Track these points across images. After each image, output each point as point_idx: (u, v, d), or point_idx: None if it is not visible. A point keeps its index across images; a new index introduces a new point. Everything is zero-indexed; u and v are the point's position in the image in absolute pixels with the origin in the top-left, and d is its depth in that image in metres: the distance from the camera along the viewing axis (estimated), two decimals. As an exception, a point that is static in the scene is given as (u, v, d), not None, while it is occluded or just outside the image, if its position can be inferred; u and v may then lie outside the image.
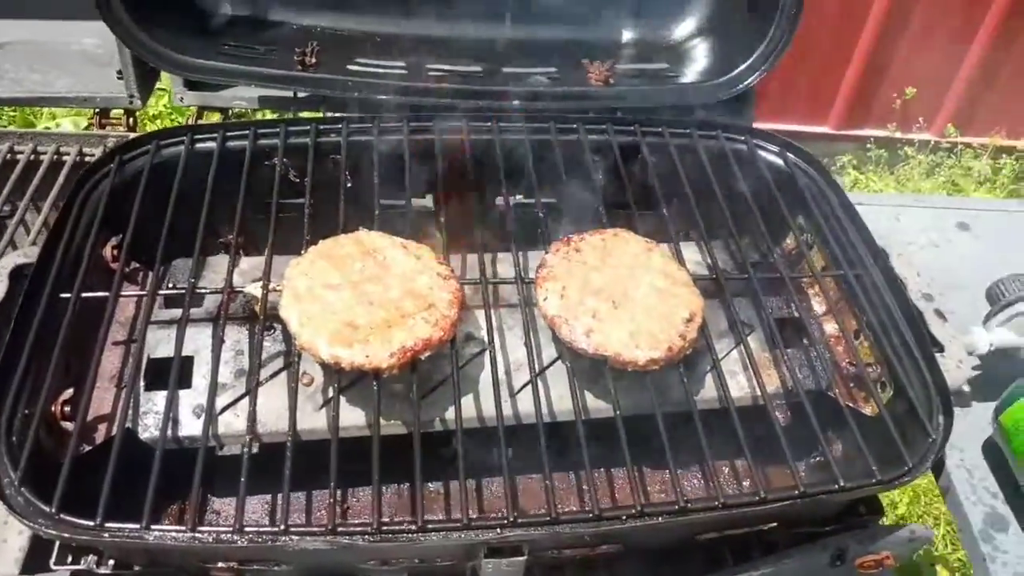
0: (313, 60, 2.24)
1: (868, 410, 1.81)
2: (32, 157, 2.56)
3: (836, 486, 1.54)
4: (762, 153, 2.18)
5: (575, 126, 2.18)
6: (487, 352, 1.78)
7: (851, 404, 1.79)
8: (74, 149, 2.56)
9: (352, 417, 1.67)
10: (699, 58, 2.51)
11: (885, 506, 1.86)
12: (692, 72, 2.47)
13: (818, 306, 2.01)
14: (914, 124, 5.91)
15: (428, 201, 2.23)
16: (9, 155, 2.55)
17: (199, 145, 2.02)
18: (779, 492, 1.53)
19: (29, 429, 1.47)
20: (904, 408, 1.72)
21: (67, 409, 1.59)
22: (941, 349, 1.85)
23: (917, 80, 5.63)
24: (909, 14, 5.22)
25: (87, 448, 1.59)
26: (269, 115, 2.87)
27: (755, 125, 2.39)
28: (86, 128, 4.13)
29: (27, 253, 1.82)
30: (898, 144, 6.00)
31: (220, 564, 1.56)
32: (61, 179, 2.50)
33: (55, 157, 2.56)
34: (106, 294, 1.68)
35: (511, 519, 1.44)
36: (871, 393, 1.73)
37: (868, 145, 5.99)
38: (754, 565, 1.71)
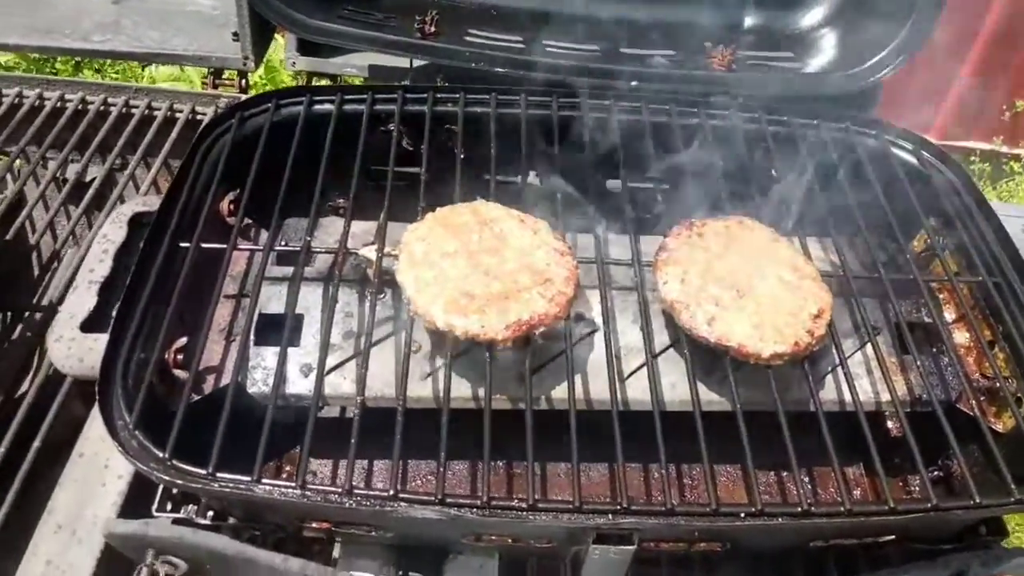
0: (432, 29, 2.21)
1: (999, 426, 1.70)
2: (146, 112, 2.59)
3: (972, 502, 1.44)
4: (894, 149, 2.08)
5: (696, 110, 2.10)
6: (598, 333, 1.74)
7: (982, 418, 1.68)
8: (187, 107, 2.59)
9: (459, 388, 1.63)
10: (826, 48, 2.40)
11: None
12: (817, 63, 2.38)
13: (948, 313, 1.90)
14: (1022, 139, 5.64)
15: (534, 178, 2.19)
16: (124, 109, 2.59)
17: (317, 107, 2.01)
18: (909, 503, 1.44)
19: (144, 374, 1.47)
20: (1042, 426, 1.61)
21: (179, 357, 1.59)
22: (1080, 365, 1.73)
23: (1027, 94, 5.38)
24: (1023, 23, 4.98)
25: (196, 398, 1.58)
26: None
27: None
28: (201, 86, 4.20)
29: (146, 202, 1.84)
30: (1003, 159, 5.74)
31: (314, 524, 1.55)
32: (173, 136, 2.53)
33: (168, 114, 2.59)
34: (223, 246, 1.68)
35: (624, 506, 1.38)
36: (1009, 406, 1.62)
37: (972, 158, 5.74)
38: (870, 579, 1.62)
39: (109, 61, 5.13)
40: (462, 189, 1.86)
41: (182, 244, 1.65)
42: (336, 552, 1.73)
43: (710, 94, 2.17)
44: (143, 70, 5.22)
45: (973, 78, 5.29)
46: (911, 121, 5.64)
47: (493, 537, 1.54)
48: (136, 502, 1.66)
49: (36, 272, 2.50)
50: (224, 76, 2.79)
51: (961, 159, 5.70)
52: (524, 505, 1.37)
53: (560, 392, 1.63)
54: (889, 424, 1.87)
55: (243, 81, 2.71)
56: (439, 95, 2.05)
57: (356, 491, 1.35)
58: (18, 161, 2.48)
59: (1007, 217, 2.64)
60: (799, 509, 1.41)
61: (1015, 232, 2.61)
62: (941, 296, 1.93)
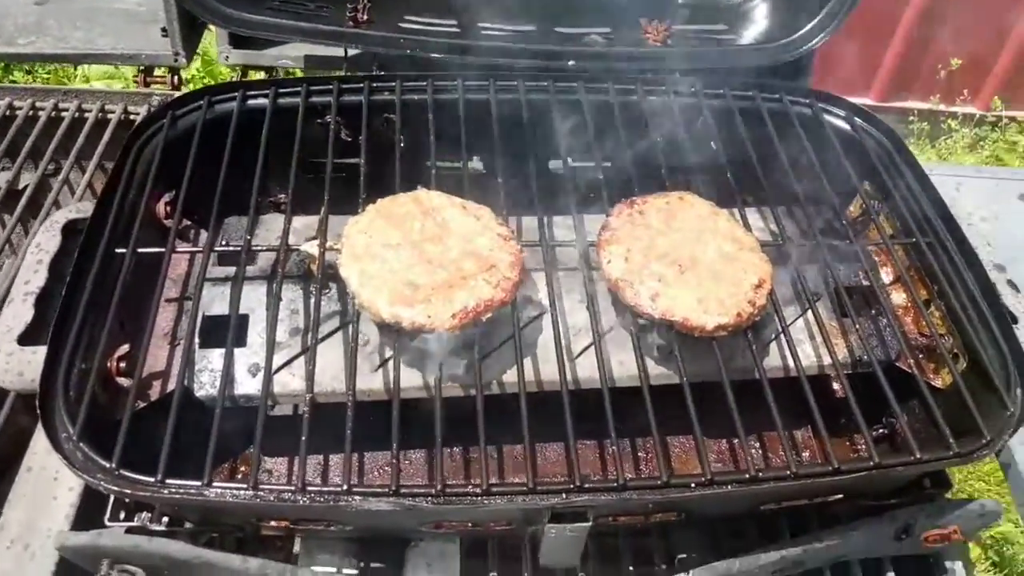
0: (365, 17, 2.18)
1: (938, 382, 1.75)
2: (77, 115, 2.53)
3: (912, 458, 1.48)
4: (828, 117, 2.11)
5: (634, 87, 2.12)
6: (546, 315, 1.75)
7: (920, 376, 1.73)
8: (119, 107, 2.54)
9: (410, 378, 1.64)
10: (758, 19, 2.42)
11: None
12: (752, 34, 2.39)
13: (886, 275, 1.94)
14: (958, 97, 5.76)
15: (478, 163, 2.19)
16: (54, 112, 2.53)
17: (251, 102, 1.98)
18: (853, 463, 1.48)
19: (86, 384, 1.45)
20: (979, 380, 1.66)
21: (122, 365, 1.57)
22: (1015, 320, 1.78)
23: (963, 51, 5.48)
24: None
25: (141, 405, 1.56)
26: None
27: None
28: (127, 87, 4.11)
29: (80, 208, 1.80)
30: (941, 117, 5.86)
31: (272, 522, 1.55)
32: (106, 137, 2.47)
33: (100, 115, 2.53)
34: (161, 250, 1.65)
35: (577, 484, 1.40)
36: (945, 363, 1.67)
37: (911, 118, 5.85)
38: (818, 537, 1.66)
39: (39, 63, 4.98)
40: (404, 178, 1.85)
41: (118, 250, 1.62)
42: (296, 547, 1.73)
43: (647, 70, 2.18)
44: (76, 70, 5.08)
45: (908, 38, 5.38)
46: (849, 84, 5.72)
47: (453, 523, 1.55)
48: (89, 513, 1.64)
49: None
50: (156, 73, 2.73)
51: (900, 119, 5.84)
52: (479, 490, 1.38)
53: (511, 376, 1.64)
54: (835, 386, 1.92)
55: (175, 78, 2.65)
56: (375, 84, 2.04)
57: (309, 487, 1.36)
58: (-54, 171, 2.41)
59: (942, 176, 2.71)
60: (747, 476, 1.44)
61: (949, 191, 2.68)
62: (878, 259, 1.97)
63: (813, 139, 2.03)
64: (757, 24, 2.41)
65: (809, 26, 2.26)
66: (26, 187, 2.41)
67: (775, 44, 2.29)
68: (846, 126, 2.10)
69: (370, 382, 1.64)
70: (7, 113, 2.50)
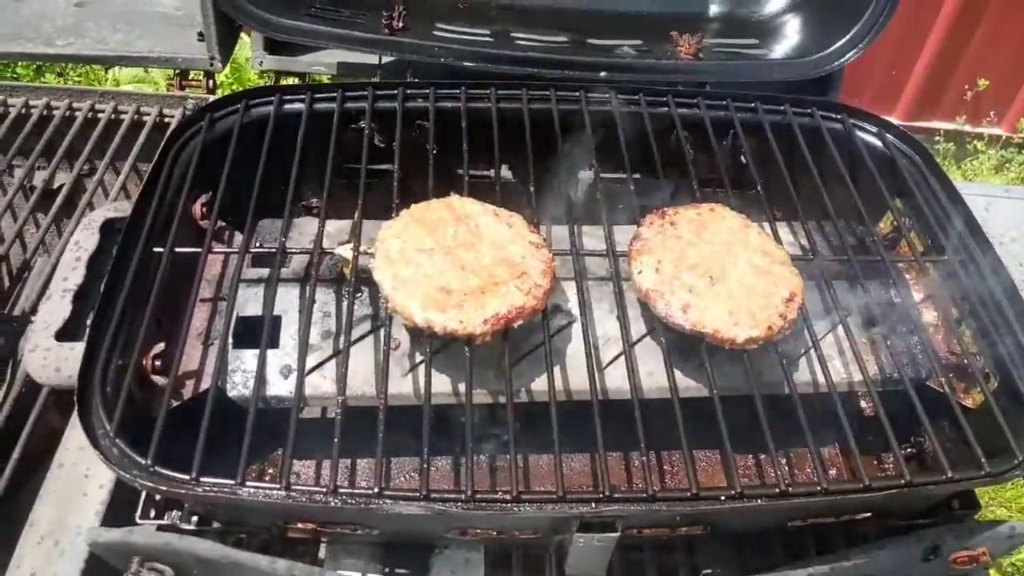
0: (400, 24, 2.21)
1: (968, 401, 1.74)
2: (113, 116, 2.57)
3: (944, 477, 1.47)
4: (860, 132, 2.11)
5: (665, 99, 2.12)
6: (575, 324, 1.75)
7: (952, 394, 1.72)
8: (154, 110, 2.57)
9: (439, 384, 1.64)
10: (790, 35, 2.43)
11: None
12: (782, 49, 2.41)
13: (916, 292, 1.94)
14: (984, 118, 5.73)
15: (507, 172, 2.20)
16: (90, 113, 2.56)
17: (287, 106, 2.00)
18: (884, 481, 1.47)
19: (123, 381, 1.47)
20: (1010, 400, 1.65)
21: (158, 363, 1.58)
22: (1048, 342, 1.77)
23: (990, 72, 5.45)
24: (985, 3, 5.05)
25: (175, 403, 1.58)
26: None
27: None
28: (167, 88, 4.15)
29: (117, 207, 1.83)
30: (967, 138, 5.82)
31: (299, 524, 1.55)
32: (141, 139, 2.50)
33: (135, 117, 2.57)
34: (198, 250, 1.67)
35: (606, 494, 1.40)
36: (977, 382, 1.66)
37: (936, 138, 5.82)
38: (845, 555, 1.65)
39: (71, 65, 5.05)
40: (436, 184, 1.86)
41: (156, 249, 1.64)
42: (322, 552, 1.74)
43: (678, 82, 2.19)
44: (106, 73, 5.15)
45: (935, 58, 5.36)
46: (875, 102, 5.70)
47: (479, 531, 1.55)
48: (119, 510, 1.65)
49: (7, 283, 2.47)
50: (190, 77, 2.76)
51: (925, 139, 5.81)
52: (508, 497, 1.38)
53: (540, 384, 1.64)
54: (863, 403, 1.92)
55: (210, 82, 2.68)
56: (409, 91, 2.05)
57: (340, 490, 1.36)
58: (-17, 170, 2.44)
59: (971, 196, 2.69)
60: (777, 490, 1.43)
61: (979, 210, 2.66)
62: (909, 276, 1.96)
63: (844, 154, 2.03)
64: (789, 39, 2.42)
65: (841, 42, 2.27)
66: (61, 187, 2.45)
67: (806, 59, 2.30)
68: (878, 142, 2.10)
69: (400, 387, 1.65)
70: (44, 113, 2.53)
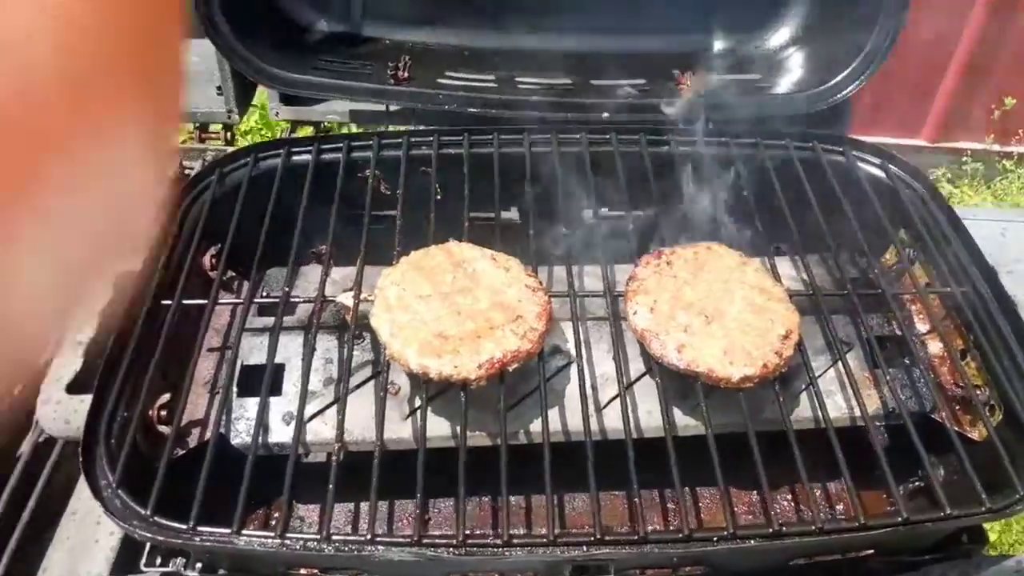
0: (405, 74, 2.27)
1: (974, 435, 1.72)
2: (135, 169, 2.66)
3: (942, 514, 1.46)
4: (862, 165, 2.11)
5: (666, 138, 2.15)
6: (574, 365, 1.77)
7: (956, 428, 1.70)
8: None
9: (438, 427, 1.67)
10: (794, 68, 2.44)
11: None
12: (787, 83, 2.41)
13: (921, 324, 1.92)
14: (1013, 137, 5.64)
15: (514, 214, 2.23)
16: (114, 167, 2.66)
17: (295, 158, 2.07)
18: (879, 519, 1.46)
19: (127, 433, 1.52)
20: (1015, 433, 1.63)
21: (163, 413, 1.64)
22: (1055, 372, 1.74)
23: (1017, 90, 5.38)
24: (1010, 20, 5.00)
25: (180, 452, 1.63)
26: (360, 129, 2.91)
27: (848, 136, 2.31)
28: (183, 143, 4.29)
29: (129, 260, 1.89)
30: (996, 157, 5.74)
31: (303, 571, 1.58)
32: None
33: (157, 169, 2.66)
34: (204, 302, 1.73)
35: (598, 536, 1.41)
36: (980, 415, 1.64)
37: (964, 158, 5.75)
38: (850, 594, 1.63)
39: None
40: (441, 229, 1.90)
41: (164, 302, 1.70)
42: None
43: (680, 121, 2.21)
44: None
45: (961, 78, 5.31)
46: (901, 125, 5.65)
47: (476, 574, 1.57)
48: (129, 557, 1.69)
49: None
50: (211, 129, 2.86)
51: (953, 160, 5.73)
52: (499, 542, 1.40)
53: (538, 425, 1.66)
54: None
55: (228, 133, 2.77)
56: (413, 139, 2.11)
57: (335, 537, 1.39)
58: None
59: (987, 221, 2.67)
60: (771, 530, 1.43)
61: (995, 235, 2.63)
62: (914, 308, 1.95)
63: (846, 187, 2.03)
64: (792, 73, 2.43)
65: (843, 74, 2.27)
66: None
67: (809, 93, 2.30)
68: (880, 173, 2.10)
69: (399, 431, 1.68)
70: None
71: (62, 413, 1.59)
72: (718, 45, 2.51)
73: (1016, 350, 1.70)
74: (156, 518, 1.39)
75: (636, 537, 1.41)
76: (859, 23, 2.23)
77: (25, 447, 1.91)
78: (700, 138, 2.14)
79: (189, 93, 2.70)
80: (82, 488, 1.74)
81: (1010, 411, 1.65)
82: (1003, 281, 1.88)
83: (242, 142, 5.48)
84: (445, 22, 2.44)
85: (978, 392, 1.72)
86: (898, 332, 1.84)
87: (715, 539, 1.42)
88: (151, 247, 1.80)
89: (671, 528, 1.75)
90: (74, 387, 1.64)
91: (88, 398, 1.53)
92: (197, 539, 1.37)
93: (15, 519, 1.70)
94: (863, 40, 2.24)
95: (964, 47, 5.16)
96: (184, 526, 1.38)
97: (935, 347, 1.87)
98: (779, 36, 2.50)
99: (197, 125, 2.81)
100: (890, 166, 2.11)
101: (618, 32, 2.47)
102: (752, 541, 1.43)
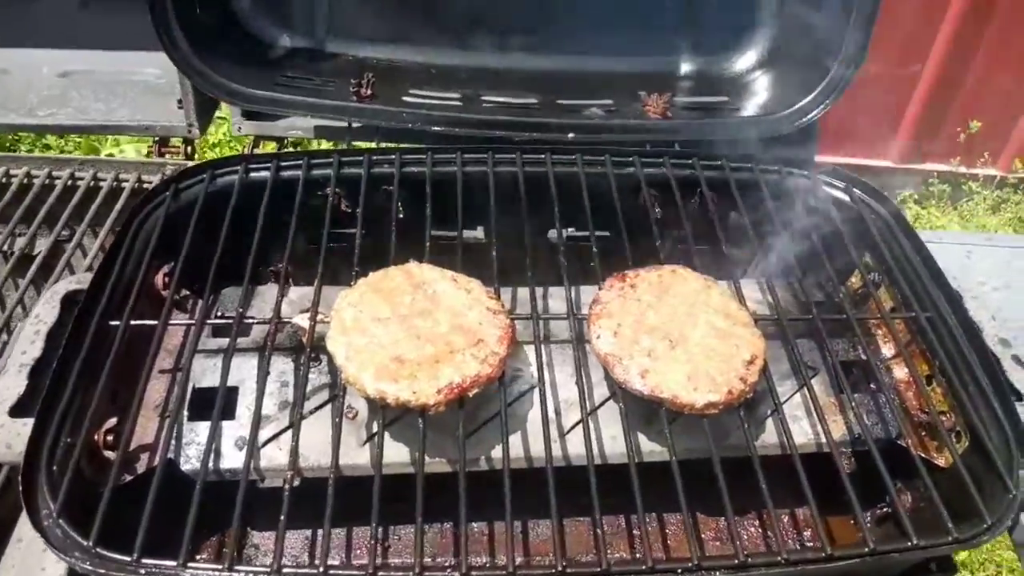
0: (368, 91, 2.23)
1: (941, 461, 1.71)
2: (92, 184, 2.60)
3: (909, 544, 1.44)
4: (827, 188, 2.11)
5: (631, 159, 2.13)
6: (536, 390, 1.73)
7: (922, 454, 1.68)
8: (133, 176, 2.61)
9: (396, 453, 1.63)
10: (760, 91, 2.45)
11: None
12: (753, 105, 2.41)
13: (886, 349, 1.91)
14: (979, 159, 5.74)
15: (480, 233, 2.20)
16: (70, 181, 2.60)
17: (253, 175, 2.02)
18: (846, 549, 1.44)
19: (71, 458, 1.45)
20: (981, 460, 1.61)
21: (110, 438, 1.57)
22: (1020, 397, 1.74)
23: (982, 113, 5.47)
24: (975, 45, 5.09)
25: (128, 478, 1.56)
26: (325, 145, 2.87)
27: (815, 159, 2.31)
28: (147, 155, 4.22)
29: (80, 279, 1.84)
30: (962, 179, 5.83)
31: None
32: (119, 205, 2.54)
33: (114, 184, 2.60)
34: (155, 323, 1.67)
35: (559, 568, 1.37)
36: (945, 443, 1.63)
37: (931, 180, 5.83)
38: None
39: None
40: (402, 248, 1.86)
41: (112, 322, 1.64)
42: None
43: (645, 143, 2.20)
44: (106, 141, 5.24)
45: (926, 102, 5.39)
46: (868, 147, 5.74)
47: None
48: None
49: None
50: (171, 143, 2.80)
51: (920, 181, 5.81)
52: (457, 574, 1.35)
53: (499, 451, 1.62)
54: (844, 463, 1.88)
55: (188, 148, 2.72)
56: (375, 156, 2.07)
57: (285, 568, 1.34)
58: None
59: (952, 244, 2.69)
60: (736, 561, 1.40)
61: (959, 259, 2.65)
62: (879, 332, 1.94)
63: (811, 211, 2.02)
64: (759, 95, 2.43)
65: (810, 97, 2.27)
66: (39, 253, 2.47)
67: (776, 116, 2.30)
68: (845, 197, 2.10)
69: (356, 457, 1.63)
70: (24, 181, 2.57)
71: (4, 437, 1.52)
72: (685, 67, 2.51)
73: (980, 376, 1.69)
74: (98, 549, 1.32)
75: (599, 570, 1.37)
76: (824, 49, 2.23)
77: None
78: (665, 160, 2.13)
79: (149, 106, 2.65)
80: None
81: (976, 438, 1.64)
82: (968, 305, 1.88)
83: (210, 154, 5.43)
84: (410, 40, 2.42)
85: (943, 418, 1.71)
86: (863, 357, 1.82)
87: (679, 571, 1.39)
88: (100, 265, 1.74)
89: (636, 557, 1.71)
90: (17, 410, 1.57)
91: (31, 422, 1.47)
92: (142, 571, 1.31)
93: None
94: (828, 65, 2.25)
95: (929, 72, 5.25)
96: (128, 558, 1.31)
97: (900, 372, 1.86)
98: (746, 59, 2.50)
99: (156, 139, 2.76)
100: (854, 190, 2.11)
101: (585, 52, 2.46)
102: (717, 572, 1.39)
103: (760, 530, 1.84)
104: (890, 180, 5.75)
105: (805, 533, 1.85)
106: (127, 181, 2.61)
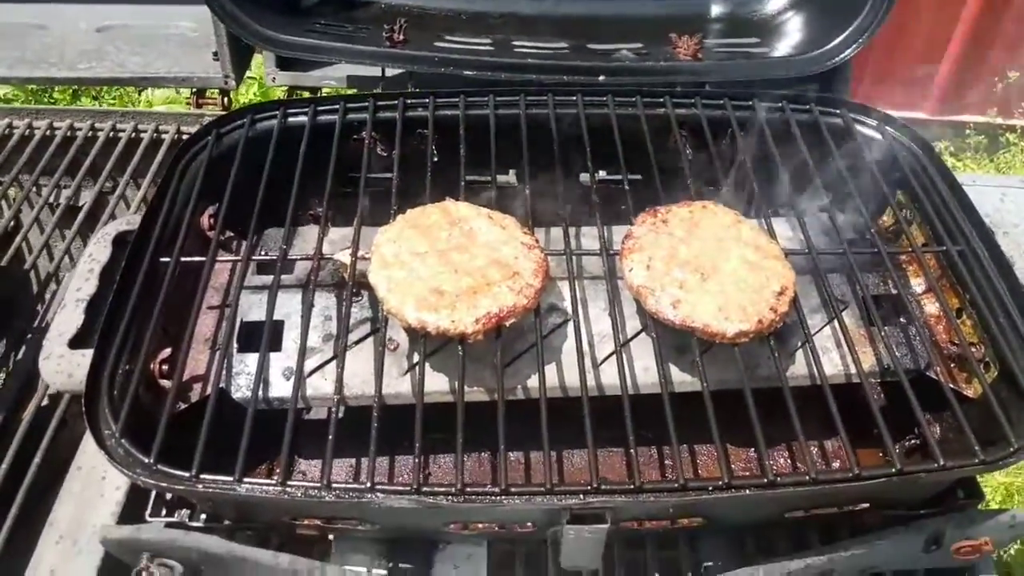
0: (401, 37, 2.26)
1: (970, 392, 1.73)
2: (133, 135, 2.66)
3: (935, 465, 1.47)
4: (859, 127, 2.11)
5: (662, 100, 2.14)
6: (570, 323, 1.78)
7: (951, 385, 1.71)
8: (172, 127, 2.66)
9: (436, 383, 1.69)
10: (791, 32, 2.44)
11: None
12: (784, 46, 2.41)
13: (917, 284, 1.93)
14: (1016, 109, 5.62)
15: (512, 177, 2.23)
16: (112, 133, 2.66)
17: (291, 119, 2.07)
18: (873, 469, 1.48)
19: (129, 386, 1.53)
20: (1009, 389, 1.64)
21: (165, 368, 1.65)
22: (1049, 330, 1.75)
23: (1020, 63, 5.36)
24: (1011, -6, 4.97)
25: (183, 406, 1.64)
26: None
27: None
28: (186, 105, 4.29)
29: (129, 221, 1.90)
30: (999, 130, 5.72)
31: (305, 521, 1.60)
32: (160, 156, 2.60)
33: (155, 135, 2.66)
34: (203, 259, 1.74)
35: (595, 486, 1.43)
36: (975, 372, 1.65)
37: (967, 131, 5.73)
38: (844, 546, 1.65)
39: (105, 88, 5.22)
40: (436, 191, 1.91)
41: (163, 259, 1.71)
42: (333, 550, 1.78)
43: (676, 84, 2.21)
44: (139, 94, 5.31)
45: (963, 51, 5.29)
46: (903, 98, 5.63)
47: (478, 525, 1.59)
48: (134, 510, 1.72)
49: (35, 295, 2.58)
50: (208, 95, 2.85)
51: (956, 133, 5.72)
52: (497, 490, 1.41)
53: (535, 381, 1.67)
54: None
55: (225, 99, 2.77)
56: (409, 101, 2.11)
57: (334, 484, 1.41)
58: (12, 189, 2.55)
59: (987, 187, 2.67)
60: (765, 480, 1.44)
61: (994, 201, 2.63)
62: (910, 268, 1.96)
63: (843, 149, 2.03)
64: (790, 37, 2.42)
65: (841, 37, 2.26)
66: (84, 204, 2.55)
67: (806, 56, 2.30)
68: (877, 135, 2.10)
69: (398, 386, 1.69)
70: (68, 135, 2.64)
71: (65, 367, 1.60)
72: (716, 9, 2.51)
73: (1011, 308, 1.71)
74: (159, 466, 1.40)
75: (632, 486, 1.42)
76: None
77: (31, 405, 1.94)
78: (696, 100, 2.14)
79: (185, 59, 2.70)
80: (87, 443, 1.76)
81: (1005, 368, 1.67)
82: (1000, 242, 1.88)
83: (238, 112, 5.48)
84: (441, -15, 2.44)
85: (973, 350, 1.73)
86: (894, 291, 1.85)
87: (710, 488, 1.44)
88: (149, 206, 1.81)
89: (669, 479, 1.76)
90: (76, 342, 1.65)
91: (89, 353, 1.54)
92: (200, 487, 1.39)
93: (22, 474, 1.72)
94: (861, 3, 2.23)
95: (966, 19, 5.14)
96: (187, 474, 1.39)
97: (931, 306, 1.88)
98: (776, 1, 2.49)
99: (194, 91, 2.80)
100: (887, 128, 2.11)
101: (615, -4, 2.46)
102: (747, 490, 1.44)
103: (788, 460, 1.89)
104: (925, 132, 5.64)
105: (834, 464, 1.89)
106: (167, 132, 2.67)
